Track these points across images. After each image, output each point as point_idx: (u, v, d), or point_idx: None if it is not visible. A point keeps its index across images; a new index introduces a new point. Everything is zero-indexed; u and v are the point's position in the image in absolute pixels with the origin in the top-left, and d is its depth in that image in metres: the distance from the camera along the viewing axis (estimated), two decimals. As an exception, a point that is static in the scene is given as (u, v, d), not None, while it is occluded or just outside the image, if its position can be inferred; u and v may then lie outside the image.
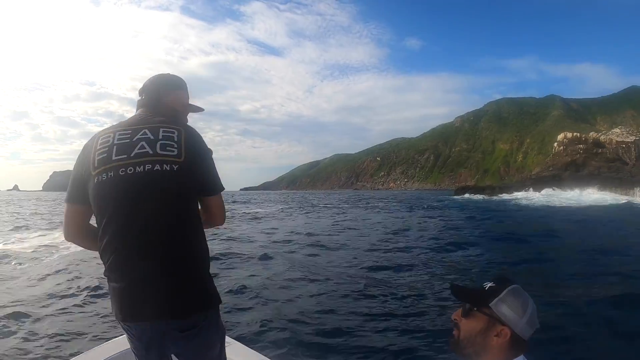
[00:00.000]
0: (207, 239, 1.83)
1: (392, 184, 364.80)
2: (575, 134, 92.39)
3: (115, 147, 1.72)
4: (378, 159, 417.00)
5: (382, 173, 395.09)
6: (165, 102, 1.95)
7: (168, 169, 1.67)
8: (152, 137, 1.74)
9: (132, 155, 1.70)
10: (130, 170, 1.67)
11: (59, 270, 9.89)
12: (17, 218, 29.20)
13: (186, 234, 1.69)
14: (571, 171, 77.02)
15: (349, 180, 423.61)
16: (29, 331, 5.60)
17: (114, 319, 2.56)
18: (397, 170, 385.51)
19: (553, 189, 63.23)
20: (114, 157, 1.70)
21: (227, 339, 2.10)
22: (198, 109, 2.12)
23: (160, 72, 2.06)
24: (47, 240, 15.56)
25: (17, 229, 20.80)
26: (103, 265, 1.70)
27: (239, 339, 3.12)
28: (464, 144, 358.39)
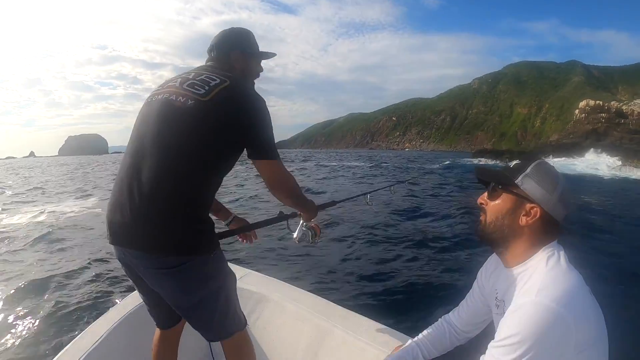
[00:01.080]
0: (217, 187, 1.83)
1: (407, 145, 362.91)
2: (597, 102, 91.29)
3: (165, 81, 1.86)
4: (394, 118, 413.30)
5: (398, 133, 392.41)
6: (226, 59, 1.98)
7: (182, 101, 1.67)
8: (189, 77, 1.77)
9: (166, 87, 1.78)
10: (154, 98, 1.77)
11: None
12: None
13: (179, 172, 1.64)
14: (592, 140, 76.57)
15: (364, 140, 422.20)
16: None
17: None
18: (413, 130, 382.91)
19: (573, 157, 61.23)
20: (157, 88, 1.85)
21: (243, 269, 2.12)
22: (267, 55, 2.13)
23: (229, 28, 2.06)
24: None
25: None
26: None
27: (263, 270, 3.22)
28: (481, 106, 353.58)
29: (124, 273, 1.89)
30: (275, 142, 1.86)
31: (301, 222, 2.30)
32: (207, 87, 1.70)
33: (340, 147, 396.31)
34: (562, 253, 1.32)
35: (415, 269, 5.99)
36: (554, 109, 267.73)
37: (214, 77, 1.75)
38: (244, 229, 2.24)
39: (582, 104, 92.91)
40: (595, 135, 79.62)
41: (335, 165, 46.55)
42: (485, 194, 1.46)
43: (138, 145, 1.70)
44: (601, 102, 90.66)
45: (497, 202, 1.40)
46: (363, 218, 10.27)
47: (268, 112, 1.78)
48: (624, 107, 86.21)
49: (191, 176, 1.66)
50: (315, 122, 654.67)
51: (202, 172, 1.69)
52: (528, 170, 1.35)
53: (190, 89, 1.70)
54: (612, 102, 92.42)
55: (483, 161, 68.94)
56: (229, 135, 1.68)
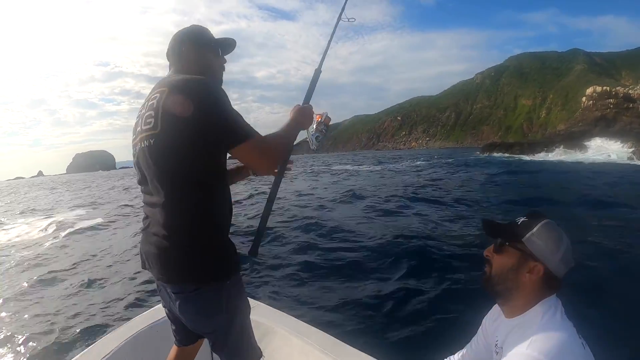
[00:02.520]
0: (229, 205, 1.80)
1: (413, 143, 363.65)
2: (604, 87, 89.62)
3: (134, 125, 1.83)
4: (398, 118, 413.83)
5: (403, 132, 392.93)
6: (178, 56, 1.91)
7: (147, 144, 1.67)
8: (144, 111, 1.74)
9: (135, 133, 1.80)
10: (135, 149, 1.79)
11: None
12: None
13: (180, 211, 1.67)
14: (601, 127, 75.05)
15: (370, 141, 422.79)
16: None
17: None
18: (419, 129, 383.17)
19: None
20: (132, 136, 1.84)
21: (251, 300, 2.09)
22: (226, 43, 2.00)
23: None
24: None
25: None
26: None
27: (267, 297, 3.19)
28: (485, 100, 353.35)
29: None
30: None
31: (307, 131, 2.13)
32: (153, 114, 1.66)
33: (347, 150, 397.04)
34: (559, 307, 1.38)
35: (424, 303, 5.63)
36: (558, 99, 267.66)
37: (156, 95, 1.70)
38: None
39: (589, 90, 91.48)
40: (605, 122, 78.26)
41: (394, 167, 43.75)
42: (492, 247, 1.49)
43: (144, 186, 1.81)
44: (608, 88, 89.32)
45: (502, 256, 1.44)
46: (376, 246, 9.05)
47: (223, 97, 1.67)
48: (631, 92, 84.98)
49: (189, 204, 1.66)
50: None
51: (198, 195, 1.67)
52: (535, 229, 1.39)
53: (146, 128, 1.68)
54: (619, 88, 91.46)
55: (495, 155, 68.74)
56: (194, 141, 1.61)
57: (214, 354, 2.00)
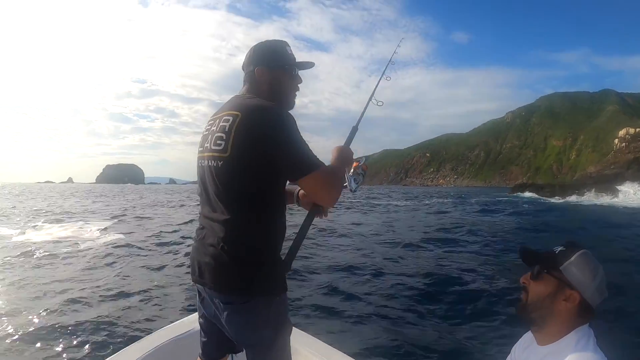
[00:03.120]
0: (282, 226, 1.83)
1: (441, 181, 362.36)
2: (638, 129, 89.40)
3: (202, 137, 1.86)
4: (427, 154, 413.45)
5: (432, 169, 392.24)
6: (253, 77, 1.86)
7: (215, 165, 1.71)
8: (215, 129, 1.76)
9: (203, 148, 1.82)
10: (201, 162, 1.83)
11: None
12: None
13: (238, 228, 1.72)
14: (634, 170, 73.55)
15: (398, 176, 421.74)
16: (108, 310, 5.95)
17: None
18: (447, 166, 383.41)
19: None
20: (199, 148, 1.87)
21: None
22: (304, 65, 1.96)
23: (257, 42, 1.95)
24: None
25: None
26: None
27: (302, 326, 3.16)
28: (515, 140, 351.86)
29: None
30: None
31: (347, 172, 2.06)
32: (224, 137, 1.69)
33: (374, 184, 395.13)
34: (591, 336, 1.39)
35: (451, 331, 5.66)
36: (589, 140, 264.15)
37: (228, 117, 1.73)
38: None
39: (621, 132, 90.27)
40: (638, 165, 76.98)
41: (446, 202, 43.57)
42: (529, 274, 1.51)
43: (205, 198, 1.86)
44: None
45: (539, 284, 1.46)
46: (406, 270, 9.44)
47: (293, 127, 1.70)
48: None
49: (250, 222, 1.73)
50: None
51: (259, 215, 1.74)
52: (573, 258, 1.41)
53: (216, 149, 1.72)
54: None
55: (526, 195, 67.95)
56: (261, 169, 1.68)
57: None
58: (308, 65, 1.96)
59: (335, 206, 1.99)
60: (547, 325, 1.44)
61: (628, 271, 8.79)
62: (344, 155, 1.99)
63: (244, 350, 1.90)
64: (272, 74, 1.85)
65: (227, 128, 1.69)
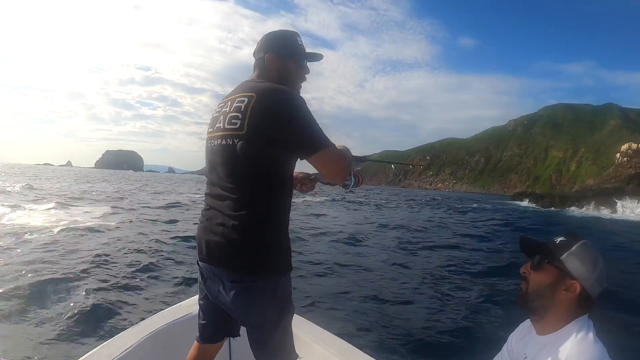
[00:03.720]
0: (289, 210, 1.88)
1: (440, 185, 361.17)
2: None
3: (212, 120, 1.94)
4: (427, 157, 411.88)
5: (431, 173, 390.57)
6: (263, 64, 1.95)
7: (230, 143, 1.76)
8: (227, 110, 1.83)
9: (214, 129, 1.88)
10: (211, 143, 1.88)
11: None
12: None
13: (250, 205, 1.76)
14: (634, 185, 73.83)
15: (396, 178, 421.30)
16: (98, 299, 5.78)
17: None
18: (446, 170, 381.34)
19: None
20: (209, 129, 1.94)
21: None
22: (313, 57, 2.05)
23: (271, 31, 2.01)
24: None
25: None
26: None
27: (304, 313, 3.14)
28: (515, 148, 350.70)
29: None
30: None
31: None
32: (240, 116, 1.76)
33: (373, 184, 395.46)
34: (591, 326, 1.41)
35: (446, 319, 5.87)
36: (590, 153, 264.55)
37: (243, 98, 1.80)
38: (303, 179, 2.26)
39: (624, 147, 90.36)
40: (638, 180, 77.27)
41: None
42: (529, 264, 1.53)
43: (214, 179, 1.90)
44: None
45: (540, 274, 1.47)
46: (398, 258, 10.39)
47: (305, 107, 1.78)
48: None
49: (260, 201, 1.78)
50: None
51: (268, 194, 1.80)
52: (573, 248, 1.43)
53: (231, 128, 1.78)
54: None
55: (524, 204, 68.69)
56: (275, 147, 1.75)
57: (232, 356, 2.23)
58: (317, 57, 2.06)
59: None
60: (548, 314, 1.45)
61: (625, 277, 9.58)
62: (347, 152, 2.06)
63: (243, 334, 1.97)
64: (282, 62, 1.95)
65: (242, 108, 1.77)
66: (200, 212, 1.99)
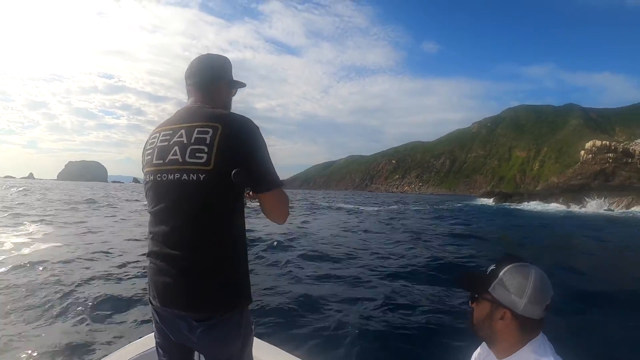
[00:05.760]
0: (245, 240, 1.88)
1: (406, 187, 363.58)
2: (604, 142, 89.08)
3: (156, 149, 1.82)
4: (393, 161, 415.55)
5: (397, 176, 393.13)
6: (215, 90, 1.95)
7: (194, 178, 1.70)
8: (185, 141, 1.75)
9: (166, 161, 1.77)
10: (164, 177, 1.77)
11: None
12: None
13: (213, 241, 1.73)
14: (600, 181, 75.23)
15: (363, 182, 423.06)
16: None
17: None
18: (412, 173, 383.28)
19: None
20: (154, 161, 1.81)
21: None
22: (241, 85, 2.09)
23: (208, 54, 2.03)
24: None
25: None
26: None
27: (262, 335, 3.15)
28: (480, 149, 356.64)
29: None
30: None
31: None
32: (206, 150, 1.69)
33: (339, 189, 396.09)
34: (547, 345, 1.41)
35: (411, 337, 5.56)
36: (552, 152, 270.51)
37: (206, 129, 1.72)
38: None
39: (588, 144, 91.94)
40: (604, 176, 78.56)
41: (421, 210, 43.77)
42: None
43: (165, 216, 1.76)
44: (608, 142, 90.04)
45: (478, 307, 1.49)
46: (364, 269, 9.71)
47: (263, 140, 1.79)
48: (631, 147, 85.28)
49: (220, 237, 1.72)
50: (315, 163, 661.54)
51: (230, 228, 1.75)
52: (499, 277, 1.43)
53: (194, 162, 1.69)
54: (616, 143, 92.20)
55: (491, 202, 68.89)
56: (234, 184, 1.69)
57: None
58: (242, 84, 2.08)
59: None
60: (497, 342, 1.47)
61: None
62: None
63: None
64: (225, 87, 2.00)
65: (207, 140, 1.70)
66: (147, 253, 1.87)
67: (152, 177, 1.80)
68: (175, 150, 1.73)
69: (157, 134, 1.84)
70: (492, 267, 1.48)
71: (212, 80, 1.93)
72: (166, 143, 1.77)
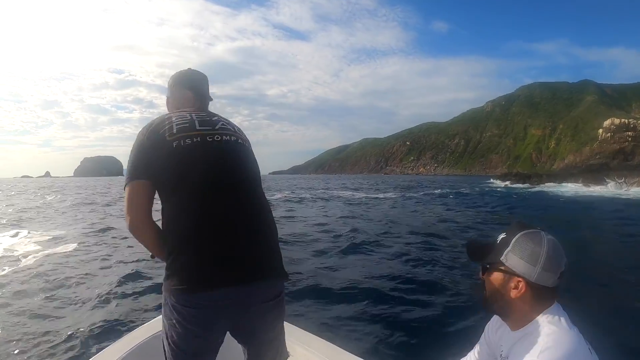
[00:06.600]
0: None
1: (421, 169, 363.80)
2: (623, 120, 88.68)
3: (196, 120, 1.72)
4: (407, 143, 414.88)
5: (412, 158, 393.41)
6: (207, 100, 2.03)
7: (234, 139, 1.72)
8: (217, 119, 1.79)
9: (216, 127, 1.72)
10: (217, 138, 1.68)
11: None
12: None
13: (267, 205, 1.74)
14: (619, 160, 74.27)
15: (377, 165, 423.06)
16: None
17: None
18: (427, 155, 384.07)
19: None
20: (197, 127, 1.68)
21: None
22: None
23: (189, 68, 2.08)
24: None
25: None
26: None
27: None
28: (494, 129, 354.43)
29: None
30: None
31: None
32: (235, 129, 1.82)
33: (354, 172, 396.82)
34: (562, 314, 1.37)
35: (426, 310, 5.74)
36: (568, 130, 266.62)
37: (225, 124, 1.81)
38: None
39: (606, 122, 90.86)
40: (623, 155, 77.31)
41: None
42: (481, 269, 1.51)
43: (225, 181, 1.60)
44: (626, 120, 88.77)
45: (490, 278, 1.45)
46: (381, 253, 9.71)
47: None
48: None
49: (266, 200, 1.75)
50: (329, 148, 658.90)
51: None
52: (510, 245, 1.39)
53: (228, 130, 1.76)
54: (636, 120, 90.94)
55: (507, 183, 67.92)
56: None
57: None
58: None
59: None
60: (511, 313, 1.44)
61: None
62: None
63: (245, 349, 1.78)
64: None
65: (235, 126, 1.85)
66: (185, 232, 1.55)
67: (197, 140, 1.64)
68: (222, 123, 1.78)
69: (186, 113, 1.78)
70: (503, 235, 1.45)
71: (207, 91, 2.08)
72: (208, 118, 1.77)
